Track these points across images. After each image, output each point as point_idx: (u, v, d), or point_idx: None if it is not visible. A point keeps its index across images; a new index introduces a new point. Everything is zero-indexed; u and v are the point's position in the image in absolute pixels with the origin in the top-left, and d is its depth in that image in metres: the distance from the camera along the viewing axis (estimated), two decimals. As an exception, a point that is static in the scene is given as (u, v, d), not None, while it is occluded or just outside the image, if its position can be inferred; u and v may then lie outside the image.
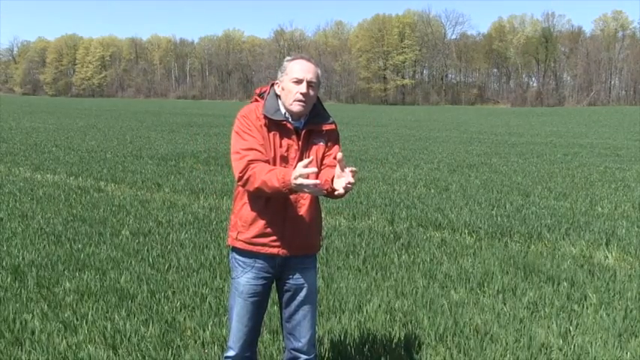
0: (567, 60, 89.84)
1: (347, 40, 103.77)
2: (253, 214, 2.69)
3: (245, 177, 2.54)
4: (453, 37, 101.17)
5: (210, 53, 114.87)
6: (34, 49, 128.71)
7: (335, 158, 2.58)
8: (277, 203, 2.65)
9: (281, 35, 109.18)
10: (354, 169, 2.44)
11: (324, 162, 2.73)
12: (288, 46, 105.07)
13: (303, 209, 2.70)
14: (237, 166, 2.57)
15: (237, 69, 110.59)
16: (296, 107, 2.62)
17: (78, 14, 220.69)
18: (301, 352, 2.85)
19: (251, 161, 2.54)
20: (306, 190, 2.36)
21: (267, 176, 2.45)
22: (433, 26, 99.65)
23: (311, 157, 2.49)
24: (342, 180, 2.43)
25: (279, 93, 2.69)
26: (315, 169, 2.37)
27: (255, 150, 2.57)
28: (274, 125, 2.63)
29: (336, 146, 2.76)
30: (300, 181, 2.32)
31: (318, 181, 2.36)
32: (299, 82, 2.60)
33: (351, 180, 2.41)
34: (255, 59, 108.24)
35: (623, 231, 6.96)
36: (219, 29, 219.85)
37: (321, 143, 2.73)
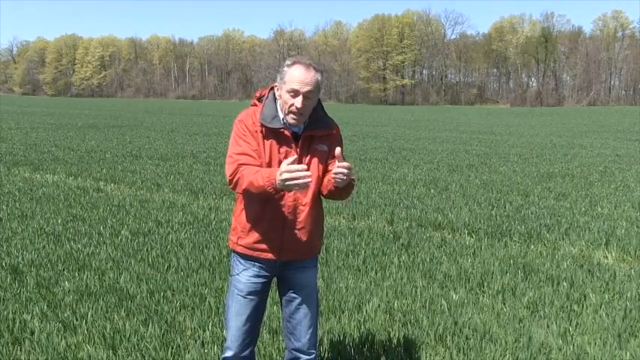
0: (567, 60, 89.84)
1: (346, 40, 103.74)
2: (252, 219, 2.69)
3: (235, 179, 2.56)
4: (453, 37, 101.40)
5: (209, 53, 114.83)
6: (34, 49, 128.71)
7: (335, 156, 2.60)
8: (276, 209, 2.64)
9: (281, 35, 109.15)
10: (348, 164, 2.48)
11: (328, 168, 2.71)
12: (287, 46, 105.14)
13: (302, 215, 2.68)
14: (228, 169, 2.60)
15: (236, 69, 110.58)
16: (290, 120, 2.60)
17: (77, 14, 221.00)
18: (301, 352, 2.85)
19: (241, 165, 2.55)
20: (290, 184, 2.34)
21: (254, 176, 2.46)
22: (433, 26, 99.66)
23: (295, 156, 2.46)
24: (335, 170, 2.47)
25: (278, 98, 2.66)
26: (304, 167, 2.36)
27: (248, 155, 2.58)
28: (271, 133, 2.62)
29: (338, 148, 2.75)
30: (284, 175, 2.32)
31: (307, 173, 2.33)
32: (296, 94, 2.56)
33: (342, 170, 2.43)
34: (254, 59, 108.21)
35: (623, 231, 6.96)
36: (219, 29, 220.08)
37: (324, 148, 2.71)
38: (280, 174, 2.33)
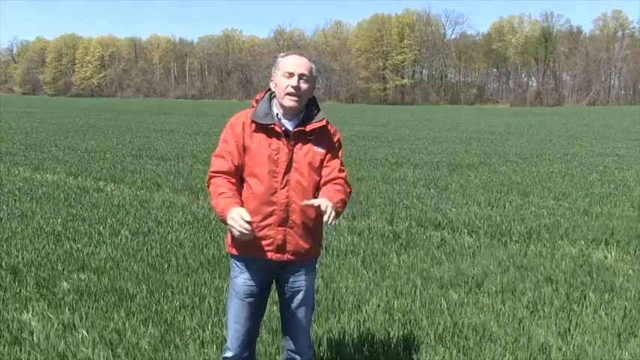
0: (567, 60, 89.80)
1: (346, 40, 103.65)
2: None
3: (209, 188, 2.71)
4: (453, 36, 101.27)
5: (209, 53, 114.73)
6: (34, 49, 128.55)
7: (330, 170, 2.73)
8: (269, 209, 2.65)
9: (280, 35, 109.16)
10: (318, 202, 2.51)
11: (323, 173, 2.73)
12: (287, 45, 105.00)
13: (295, 215, 2.67)
14: (210, 168, 2.73)
15: (236, 69, 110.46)
16: (287, 102, 2.64)
17: (77, 14, 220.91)
18: (297, 354, 2.87)
19: (214, 173, 2.68)
20: (231, 229, 2.48)
21: (216, 200, 2.60)
22: (433, 26, 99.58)
23: (248, 217, 2.47)
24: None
25: (273, 90, 2.72)
26: (249, 229, 2.42)
27: (222, 158, 2.69)
28: (262, 128, 2.66)
29: (336, 161, 2.77)
30: (230, 222, 2.44)
31: (247, 228, 2.41)
32: (290, 75, 2.63)
33: (326, 218, 2.47)
34: (254, 59, 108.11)
35: (623, 231, 6.96)
36: (219, 29, 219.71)
37: (320, 150, 2.71)
38: (231, 218, 2.44)
